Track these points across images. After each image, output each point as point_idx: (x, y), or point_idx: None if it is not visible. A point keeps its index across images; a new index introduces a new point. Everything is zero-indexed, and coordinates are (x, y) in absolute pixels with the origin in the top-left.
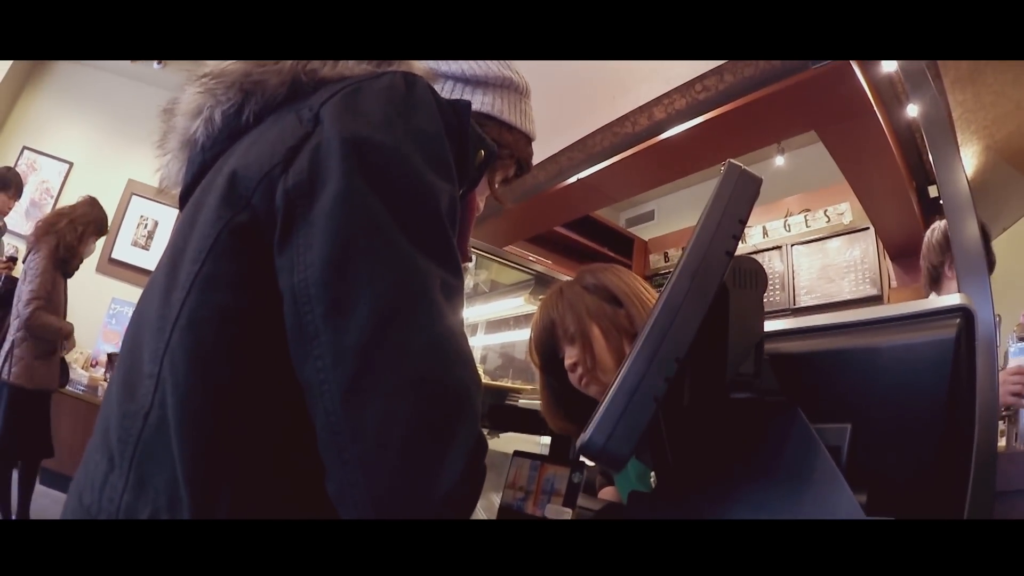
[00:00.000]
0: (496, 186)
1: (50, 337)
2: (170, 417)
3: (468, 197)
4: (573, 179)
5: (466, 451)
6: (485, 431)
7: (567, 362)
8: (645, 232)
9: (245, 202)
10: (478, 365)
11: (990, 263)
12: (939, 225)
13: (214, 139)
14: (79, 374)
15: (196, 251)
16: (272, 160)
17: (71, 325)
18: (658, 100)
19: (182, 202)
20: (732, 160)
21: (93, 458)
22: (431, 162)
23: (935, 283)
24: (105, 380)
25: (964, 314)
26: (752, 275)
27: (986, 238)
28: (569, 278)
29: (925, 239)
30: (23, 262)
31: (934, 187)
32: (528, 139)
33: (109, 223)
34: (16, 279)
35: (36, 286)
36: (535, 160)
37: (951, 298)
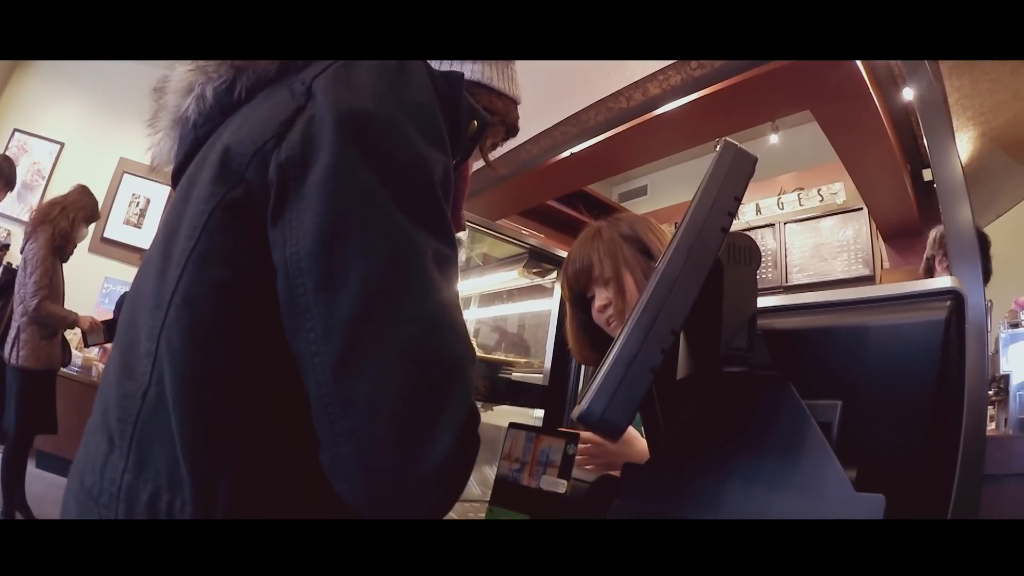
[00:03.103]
0: (487, 154)
1: (56, 325)
2: (168, 395)
3: (461, 168)
4: (566, 153)
5: (458, 423)
6: (479, 404)
7: (598, 303)
8: (638, 207)
9: (239, 177)
10: (471, 338)
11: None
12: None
13: (206, 116)
14: (73, 355)
15: (191, 228)
16: (265, 134)
17: (76, 315)
18: (653, 76)
19: (175, 180)
20: (728, 138)
21: (93, 439)
22: (425, 133)
23: (928, 273)
24: (100, 361)
25: (954, 297)
26: (746, 251)
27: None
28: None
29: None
30: (21, 252)
31: (928, 171)
32: (515, 104)
33: (100, 204)
34: (14, 268)
35: (39, 276)
36: (528, 134)
37: (942, 280)
